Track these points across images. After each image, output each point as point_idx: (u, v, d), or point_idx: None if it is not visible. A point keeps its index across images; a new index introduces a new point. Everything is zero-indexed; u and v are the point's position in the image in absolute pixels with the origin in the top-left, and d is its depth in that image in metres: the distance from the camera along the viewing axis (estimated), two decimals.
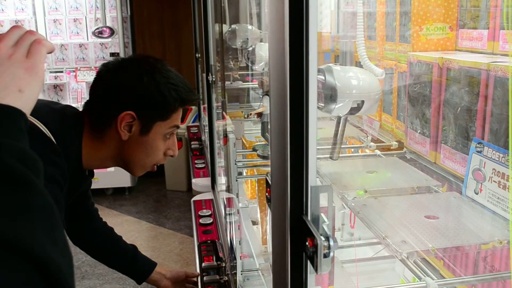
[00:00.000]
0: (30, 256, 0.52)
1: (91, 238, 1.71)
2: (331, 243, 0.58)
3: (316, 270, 0.60)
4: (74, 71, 5.24)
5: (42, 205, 0.58)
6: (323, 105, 1.15)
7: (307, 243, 0.60)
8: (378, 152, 1.57)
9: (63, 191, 1.17)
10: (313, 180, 0.62)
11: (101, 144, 1.30)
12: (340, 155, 1.33)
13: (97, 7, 5.10)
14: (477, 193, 1.13)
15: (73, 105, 1.40)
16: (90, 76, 5.10)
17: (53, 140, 1.16)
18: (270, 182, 0.68)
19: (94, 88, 1.32)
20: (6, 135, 0.63)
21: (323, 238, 0.58)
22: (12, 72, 0.71)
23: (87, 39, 5.22)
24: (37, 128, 1.15)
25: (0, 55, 0.72)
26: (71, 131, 1.25)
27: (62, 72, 5.26)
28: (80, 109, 1.35)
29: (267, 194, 0.74)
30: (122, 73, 1.30)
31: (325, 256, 0.58)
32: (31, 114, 0.74)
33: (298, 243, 0.63)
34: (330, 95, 1.13)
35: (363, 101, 1.16)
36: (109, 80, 1.31)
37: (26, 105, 0.70)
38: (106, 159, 1.33)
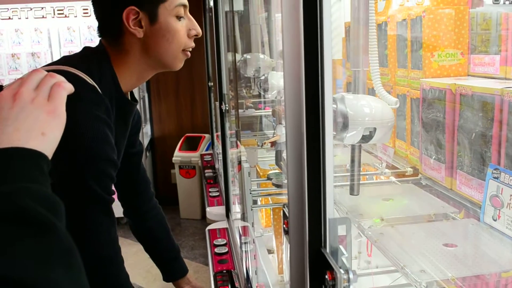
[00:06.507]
0: None
1: (143, 216, 1.69)
2: (351, 276, 0.57)
3: None
4: None
5: (65, 249, 0.59)
6: (335, 133, 1.16)
7: (326, 276, 0.60)
8: (393, 178, 1.56)
9: (111, 130, 1.19)
10: (330, 212, 0.63)
11: (127, 55, 1.31)
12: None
13: None
14: (495, 220, 1.12)
15: None
16: None
17: (88, 78, 1.17)
18: (287, 214, 0.68)
19: (94, 8, 1.33)
20: (30, 179, 0.64)
21: (342, 271, 0.57)
22: (35, 116, 0.73)
23: None
24: (69, 73, 1.16)
25: (22, 99, 0.74)
26: (98, 63, 1.26)
27: None
28: None
29: (284, 226, 0.74)
30: None
31: None
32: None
33: (317, 276, 0.62)
34: (342, 123, 1.14)
35: (375, 129, 1.16)
36: None
37: (48, 148, 0.72)
38: (140, 68, 1.33)
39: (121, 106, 1.30)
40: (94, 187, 1.18)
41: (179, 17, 1.31)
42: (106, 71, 1.27)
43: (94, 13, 1.34)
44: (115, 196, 1.47)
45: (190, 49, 1.36)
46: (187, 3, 1.34)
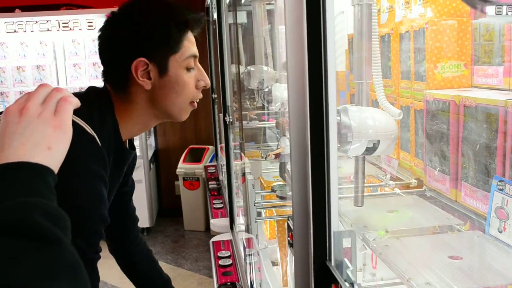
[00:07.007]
0: None
1: (130, 252, 1.65)
2: None
3: None
4: None
5: (70, 263, 0.59)
6: (338, 145, 1.16)
7: None
8: (397, 190, 1.55)
9: (106, 184, 1.14)
10: (335, 224, 0.62)
11: (132, 105, 1.26)
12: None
13: None
14: (501, 232, 1.11)
15: None
16: None
17: (87, 127, 1.13)
18: (292, 226, 0.68)
19: (100, 53, 1.29)
20: (36, 193, 0.65)
21: (347, 284, 0.57)
22: (41, 130, 0.73)
23: None
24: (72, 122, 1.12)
25: (29, 114, 0.75)
26: (100, 110, 1.21)
27: None
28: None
29: (289, 238, 0.74)
30: (115, 25, 1.26)
31: None
32: None
33: None
34: (345, 135, 1.14)
35: (379, 141, 1.16)
36: (108, 37, 1.27)
37: (54, 162, 0.72)
38: (144, 118, 1.29)
39: (119, 154, 1.25)
40: (81, 245, 1.08)
41: (189, 69, 1.27)
42: (108, 119, 1.22)
43: (100, 58, 1.30)
44: None
45: (198, 100, 1.33)
46: (197, 54, 1.30)
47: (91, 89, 1.30)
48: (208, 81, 1.32)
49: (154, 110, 1.28)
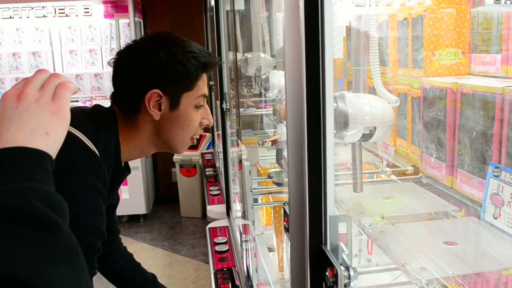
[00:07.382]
0: None
1: (111, 260, 1.67)
2: (351, 272, 0.58)
3: None
4: (89, 100, 5.33)
5: (68, 248, 0.59)
6: (335, 131, 1.16)
7: (326, 273, 0.60)
8: (393, 177, 1.56)
9: (105, 201, 1.17)
10: (331, 209, 0.63)
11: (137, 131, 1.30)
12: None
13: (112, 38, 5.20)
14: (496, 218, 1.12)
15: None
16: (105, 105, 5.16)
17: (92, 146, 1.16)
18: (288, 212, 0.68)
19: (115, 77, 1.32)
20: (34, 178, 0.65)
21: (343, 268, 0.58)
22: (39, 115, 0.73)
23: (102, 69, 5.32)
24: (76, 137, 1.14)
25: (27, 99, 0.74)
26: (106, 131, 1.25)
27: (78, 101, 5.34)
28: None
29: (285, 223, 0.74)
30: (137, 54, 1.30)
31: (345, 286, 0.59)
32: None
33: (318, 273, 0.63)
34: (342, 121, 1.14)
35: (375, 128, 1.16)
36: (127, 64, 1.30)
37: (52, 147, 0.72)
38: (145, 145, 1.33)
39: (116, 175, 1.29)
40: None
41: (198, 107, 1.32)
42: (112, 143, 1.26)
43: (113, 81, 1.33)
44: None
45: (198, 136, 1.38)
46: (207, 94, 1.35)
47: (98, 109, 1.33)
48: (212, 121, 1.38)
49: (156, 139, 1.33)
